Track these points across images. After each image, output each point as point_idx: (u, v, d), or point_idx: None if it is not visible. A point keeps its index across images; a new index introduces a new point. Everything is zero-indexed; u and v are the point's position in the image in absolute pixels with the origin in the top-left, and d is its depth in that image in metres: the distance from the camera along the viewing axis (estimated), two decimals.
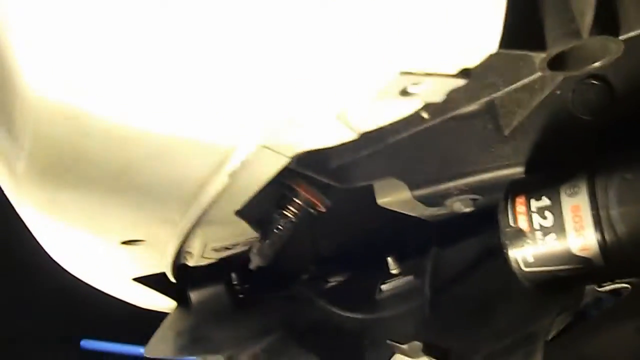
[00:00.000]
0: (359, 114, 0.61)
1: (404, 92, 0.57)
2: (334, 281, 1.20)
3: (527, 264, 0.76)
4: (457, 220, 1.06)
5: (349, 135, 0.63)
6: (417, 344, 0.80)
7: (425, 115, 0.72)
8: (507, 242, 0.77)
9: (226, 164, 0.68)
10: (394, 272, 1.03)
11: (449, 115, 0.78)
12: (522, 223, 0.76)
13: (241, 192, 0.76)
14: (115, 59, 0.55)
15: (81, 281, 1.10)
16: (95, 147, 0.66)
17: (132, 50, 0.54)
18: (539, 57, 0.65)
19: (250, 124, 0.62)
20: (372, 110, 0.60)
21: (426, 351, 0.78)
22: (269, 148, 0.65)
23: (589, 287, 0.83)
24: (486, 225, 1.00)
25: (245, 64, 0.54)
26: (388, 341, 0.85)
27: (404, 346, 0.82)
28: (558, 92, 0.82)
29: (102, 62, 0.55)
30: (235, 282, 1.21)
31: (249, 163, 0.67)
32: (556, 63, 0.67)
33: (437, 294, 0.94)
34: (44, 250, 0.98)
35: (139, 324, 1.20)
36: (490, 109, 0.87)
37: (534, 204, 0.76)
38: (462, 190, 0.90)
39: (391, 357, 0.86)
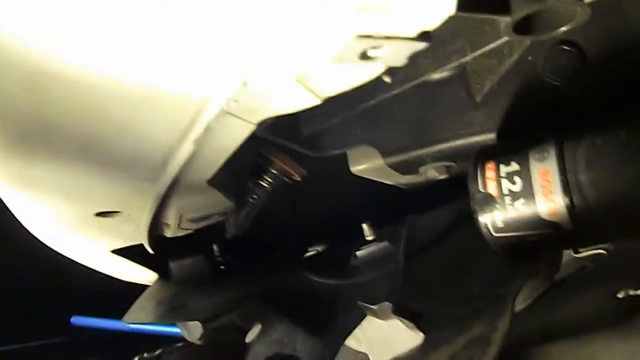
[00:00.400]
0: (320, 78, 0.60)
1: (364, 56, 0.57)
2: (312, 250, 1.20)
3: (497, 229, 0.76)
4: (433, 189, 1.07)
5: (312, 100, 0.63)
6: (388, 305, 0.81)
7: (387, 79, 0.72)
8: (476, 207, 0.77)
9: (191, 130, 0.68)
10: (369, 238, 1.03)
11: (418, 81, 0.77)
12: (492, 188, 0.76)
13: (210, 160, 0.76)
14: (73, 19, 0.54)
15: (67, 258, 1.10)
16: (60, 118, 0.66)
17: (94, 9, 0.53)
18: (504, 21, 0.64)
19: (209, 90, 0.62)
20: (333, 74, 0.60)
21: (396, 312, 0.79)
22: (231, 114, 0.64)
23: (568, 254, 0.84)
24: (460, 192, 1.01)
25: (198, 29, 0.54)
26: (359, 303, 0.85)
27: (375, 307, 0.82)
28: (530, 57, 0.82)
29: (60, 23, 0.54)
30: (216, 254, 1.21)
31: (213, 130, 0.66)
32: (523, 27, 0.67)
33: (411, 259, 0.94)
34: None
35: (128, 300, 1.21)
36: (461, 76, 0.87)
37: (503, 169, 0.76)
38: (435, 158, 0.90)
39: (363, 319, 0.87)
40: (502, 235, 0.76)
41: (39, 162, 0.73)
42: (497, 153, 0.78)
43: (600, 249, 0.85)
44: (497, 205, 0.76)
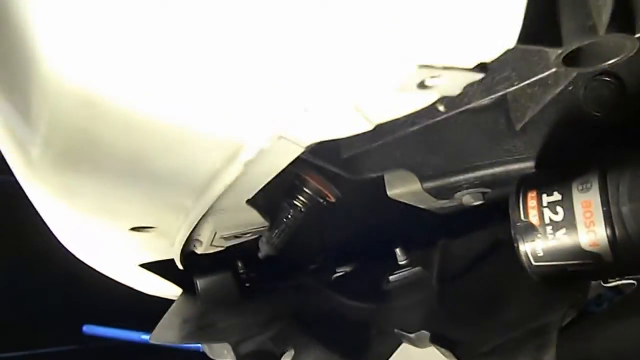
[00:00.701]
0: (376, 106, 0.61)
1: (422, 85, 0.57)
2: (341, 271, 1.20)
3: (537, 258, 0.77)
4: (465, 214, 1.07)
5: (365, 127, 0.64)
6: (425, 333, 0.81)
7: (441, 108, 0.72)
8: (517, 236, 0.77)
9: (241, 153, 0.68)
10: (402, 263, 1.03)
11: (463, 108, 0.78)
12: (533, 217, 0.77)
13: (254, 182, 0.77)
14: (132, 48, 0.55)
15: (84, 266, 1.10)
16: (110, 134, 0.66)
17: (148, 40, 0.55)
18: (554, 52, 0.65)
19: (266, 115, 0.62)
20: (389, 102, 0.60)
21: (434, 340, 0.79)
22: (285, 138, 0.65)
23: (594, 283, 0.84)
24: (494, 218, 1.02)
25: (261, 55, 0.55)
26: (396, 330, 0.85)
27: (412, 335, 0.82)
28: (570, 87, 0.83)
29: (119, 50, 0.55)
30: (241, 271, 1.21)
31: (265, 153, 0.67)
32: (570, 59, 0.67)
33: (445, 285, 0.94)
34: (49, 235, 0.98)
35: (140, 310, 1.21)
36: (502, 103, 0.88)
37: (545, 199, 0.76)
38: (472, 184, 0.90)
39: (398, 346, 0.87)
40: (542, 264, 0.77)
41: (84, 174, 0.74)
42: (540, 182, 0.78)
43: (631, 279, 0.85)
44: (538, 235, 0.76)
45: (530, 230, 0.76)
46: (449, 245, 1.03)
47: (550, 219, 0.75)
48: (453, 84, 0.59)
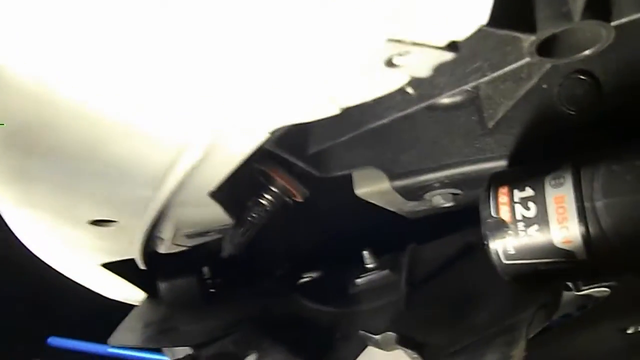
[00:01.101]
0: (343, 87, 0.58)
1: (390, 63, 0.55)
2: (307, 276, 1.17)
3: (508, 256, 0.74)
4: (435, 218, 1.04)
5: (332, 109, 0.61)
6: (391, 335, 0.78)
7: (410, 90, 0.70)
8: (487, 232, 0.75)
9: (185, 152, 0.65)
10: (369, 266, 1.00)
11: (433, 101, 0.76)
12: (504, 213, 0.74)
13: (216, 170, 0.74)
14: (78, 44, 0.55)
15: (50, 275, 1.06)
16: (60, 120, 0.64)
17: (94, 36, 0.53)
18: (528, 40, 0.63)
19: (209, 111, 0.59)
20: (357, 82, 0.58)
21: (401, 342, 0.76)
22: (240, 128, 0.62)
23: (568, 294, 0.82)
24: (464, 222, 0.99)
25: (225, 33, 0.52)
26: (360, 332, 0.82)
27: (377, 337, 0.79)
28: (544, 85, 0.81)
29: (65, 47, 0.55)
30: (206, 276, 1.17)
31: (223, 138, 0.64)
32: (545, 50, 0.65)
33: (414, 289, 0.92)
34: (13, 241, 0.94)
35: (108, 322, 1.16)
36: (474, 101, 0.86)
37: (517, 195, 0.74)
38: (443, 183, 0.88)
39: (362, 349, 0.84)
40: (513, 262, 0.74)
41: (38, 157, 0.71)
42: (512, 178, 0.76)
43: (604, 286, 0.83)
44: (510, 231, 0.73)
45: (501, 226, 0.74)
46: (418, 249, 1.01)
47: (522, 215, 0.73)
48: (423, 64, 0.56)
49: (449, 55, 0.56)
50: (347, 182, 0.96)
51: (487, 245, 0.74)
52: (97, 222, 0.86)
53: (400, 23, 0.51)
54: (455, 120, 0.87)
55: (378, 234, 1.10)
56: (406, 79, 0.58)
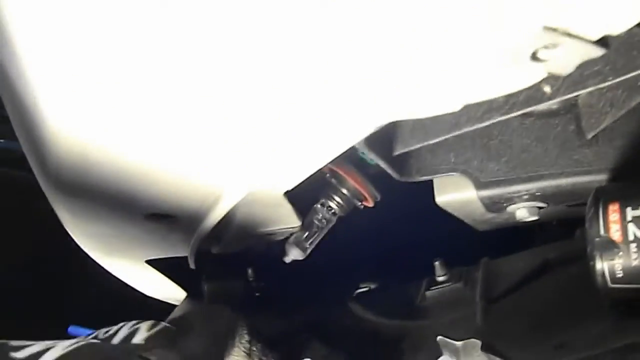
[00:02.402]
0: (474, 80, 0.52)
1: (534, 56, 0.48)
2: (365, 286, 1.10)
3: (615, 279, 0.67)
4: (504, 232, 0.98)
5: (453, 105, 0.54)
6: (475, 342, 0.71)
7: (547, 89, 0.63)
8: (595, 252, 0.68)
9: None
10: (440, 278, 0.93)
11: (540, 106, 0.69)
12: (615, 233, 0.67)
13: (301, 166, 0.67)
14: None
15: (70, 265, 1.00)
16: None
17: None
18: None
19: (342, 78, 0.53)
20: (491, 76, 0.51)
21: (487, 349, 0.69)
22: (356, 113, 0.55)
23: None
24: (544, 238, 0.93)
25: None
26: (439, 338, 0.75)
27: (458, 343, 0.72)
28: None
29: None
30: (251, 279, 1.11)
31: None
32: None
33: (491, 303, 0.85)
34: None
35: (129, 313, 1.11)
36: (572, 109, 0.79)
37: (630, 213, 0.67)
38: (532, 195, 0.82)
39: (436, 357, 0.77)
40: (619, 286, 0.67)
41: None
42: (623, 194, 0.70)
43: None
44: (620, 253, 0.67)
45: (610, 247, 0.67)
46: (492, 263, 0.94)
47: (636, 236, 0.66)
48: (569, 59, 0.50)
49: (598, 52, 0.50)
50: (420, 188, 0.89)
51: (593, 265, 0.67)
52: (154, 217, 0.80)
53: (560, 7, 0.45)
54: (551, 129, 0.81)
55: (441, 247, 1.04)
56: (544, 75, 0.52)
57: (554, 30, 0.46)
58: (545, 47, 0.48)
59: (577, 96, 0.78)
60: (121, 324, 0.74)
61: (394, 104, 0.55)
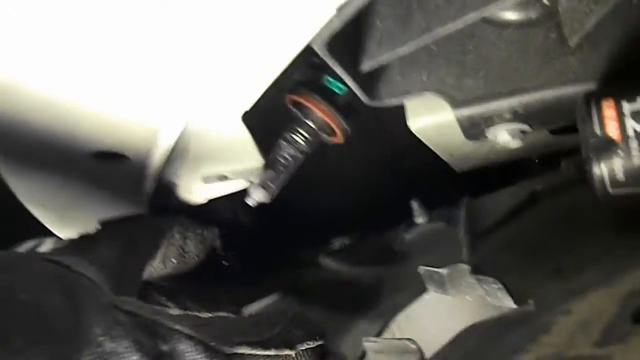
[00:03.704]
0: None
1: None
2: (338, 242, 1.02)
3: (616, 183, 0.61)
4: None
5: None
6: (462, 266, 0.63)
7: None
8: (591, 155, 0.61)
9: None
10: (420, 220, 0.85)
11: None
12: (612, 130, 0.61)
13: (262, 69, 0.59)
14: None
15: None
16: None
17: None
18: None
19: None
20: None
21: (475, 272, 0.62)
22: None
23: None
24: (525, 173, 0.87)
25: None
26: (421, 268, 0.68)
27: (444, 270, 0.65)
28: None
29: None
30: (217, 249, 1.03)
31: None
32: None
33: (476, 238, 0.77)
34: None
35: None
36: (551, 16, 0.73)
37: (627, 107, 0.61)
38: (515, 114, 0.75)
39: (417, 296, 0.70)
40: (622, 191, 0.61)
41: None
42: (617, 89, 0.63)
43: None
44: (620, 152, 0.60)
45: (608, 146, 0.61)
46: (475, 201, 0.87)
47: (636, 132, 0.59)
48: None
49: None
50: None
51: (591, 169, 0.60)
52: (102, 156, 0.71)
53: None
54: (531, 39, 0.74)
55: (416, 193, 0.96)
56: None
57: None
58: None
59: (556, 3, 0.72)
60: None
61: None
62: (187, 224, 0.86)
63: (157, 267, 0.83)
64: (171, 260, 0.84)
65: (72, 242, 0.70)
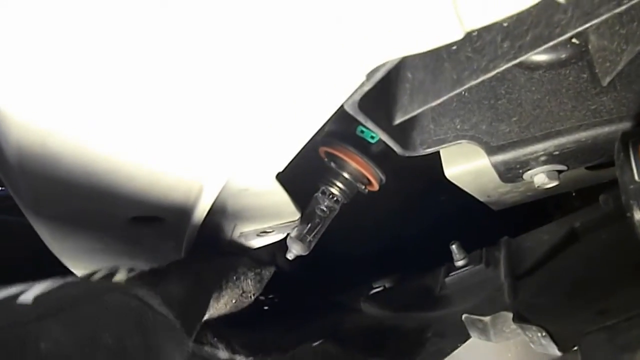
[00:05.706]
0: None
1: None
2: (379, 285, 1.02)
3: None
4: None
5: (456, 33, 0.47)
6: (505, 314, 0.63)
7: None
8: (632, 201, 0.60)
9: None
10: (459, 263, 0.85)
11: (553, 42, 0.61)
12: None
13: (292, 136, 0.60)
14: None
15: None
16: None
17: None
18: None
19: None
20: None
21: (519, 320, 0.61)
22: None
23: None
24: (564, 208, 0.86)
25: None
26: (465, 316, 0.67)
27: (486, 318, 0.64)
28: None
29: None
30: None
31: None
32: None
33: (518, 280, 0.77)
34: None
35: None
36: (583, 55, 0.72)
37: None
38: (551, 156, 0.74)
39: (461, 342, 0.69)
40: None
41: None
42: None
43: None
44: None
45: None
46: (513, 241, 0.86)
47: None
48: None
49: None
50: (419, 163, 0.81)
51: (631, 215, 0.60)
52: (139, 220, 0.72)
53: None
54: (562, 80, 0.73)
55: (455, 231, 0.96)
56: None
57: None
58: None
59: (587, 43, 0.71)
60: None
61: (384, 40, 0.48)
62: (249, 264, 0.86)
63: (219, 307, 0.83)
64: (232, 301, 0.84)
65: (143, 273, 0.70)
